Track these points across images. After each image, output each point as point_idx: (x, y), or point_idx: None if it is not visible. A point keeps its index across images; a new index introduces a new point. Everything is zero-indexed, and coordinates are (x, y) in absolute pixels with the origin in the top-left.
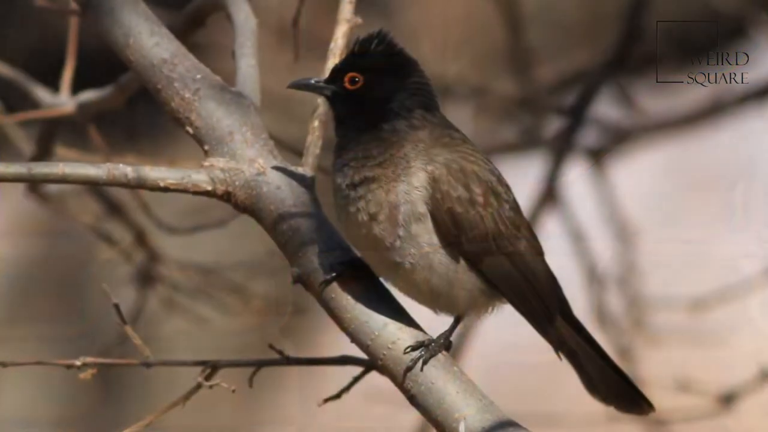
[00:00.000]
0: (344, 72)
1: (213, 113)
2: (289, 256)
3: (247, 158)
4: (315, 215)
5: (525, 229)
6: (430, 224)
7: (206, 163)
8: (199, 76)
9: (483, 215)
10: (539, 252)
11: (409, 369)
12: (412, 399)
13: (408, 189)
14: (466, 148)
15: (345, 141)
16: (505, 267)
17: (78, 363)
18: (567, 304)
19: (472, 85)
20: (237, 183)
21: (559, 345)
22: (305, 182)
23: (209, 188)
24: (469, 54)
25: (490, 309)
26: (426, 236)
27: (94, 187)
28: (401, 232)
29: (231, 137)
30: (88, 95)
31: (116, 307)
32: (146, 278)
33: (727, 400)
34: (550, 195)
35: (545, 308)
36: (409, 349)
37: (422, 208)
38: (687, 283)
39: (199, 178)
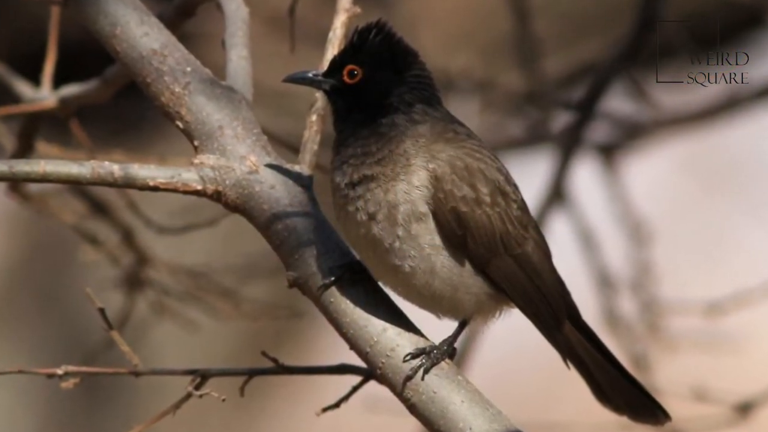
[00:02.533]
0: (343, 65)
1: (203, 108)
2: (284, 258)
3: (238, 155)
4: (312, 215)
5: (533, 229)
6: (432, 224)
7: (196, 161)
8: (189, 69)
9: (490, 215)
10: (547, 254)
11: (408, 378)
12: (412, 408)
13: (408, 188)
14: (472, 144)
15: (344, 137)
16: (512, 269)
17: (60, 372)
18: (576, 308)
19: (476, 79)
20: (227, 182)
21: (567, 352)
22: (302, 181)
23: (199, 188)
24: (474, 46)
25: (497, 313)
26: (427, 237)
27: (77, 185)
28: (400, 232)
29: (221, 132)
30: (71, 89)
31: (101, 311)
32: (134, 281)
33: (745, 409)
34: (558, 193)
35: (553, 313)
36: (408, 357)
37: (423, 208)
38: (703, 286)
39: (189, 176)
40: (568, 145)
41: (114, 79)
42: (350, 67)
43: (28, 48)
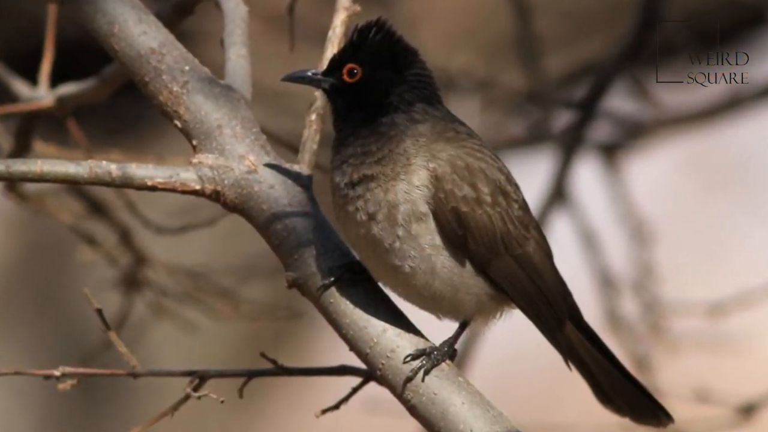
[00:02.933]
0: (342, 63)
1: (201, 107)
2: (283, 258)
3: (237, 154)
4: (311, 215)
5: (534, 229)
6: (432, 224)
7: (195, 160)
8: (187, 68)
9: (491, 215)
10: (548, 254)
11: (409, 380)
12: (412, 410)
13: (408, 188)
14: (473, 143)
15: (344, 136)
16: (513, 269)
17: (57, 373)
18: (577, 309)
19: (477, 78)
20: (226, 182)
21: (569, 353)
22: (301, 181)
23: (198, 187)
24: (474, 45)
25: (498, 314)
26: (428, 237)
27: (74, 185)
28: (400, 233)
29: (219, 131)
30: (69, 88)
31: (99, 312)
32: (132, 281)
33: (748, 410)
34: (559, 193)
35: (554, 314)
36: (409, 358)
37: (423, 208)
38: (705, 286)
39: (188, 176)
40: (570, 145)
41: (112, 78)
42: (350, 65)
43: (25, 47)
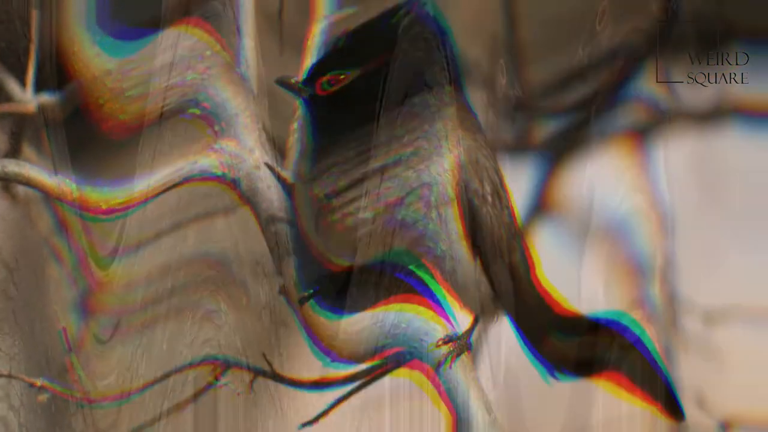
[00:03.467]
0: (320, 74)
1: (223, 91)
2: (276, 262)
3: (248, 146)
4: (294, 224)
5: (518, 239)
6: (456, 211)
7: (216, 146)
8: (208, 53)
9: (492, 215)
10: (530, 266)
11: (440, 364)
12: (442, 395)
13: (440, 170)
14: (481, 138)
15: (321, 146)
16: (505, 277)
17: (38, 383)
18: (568, 316)
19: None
20: (241, 172)
21: (557, 363)
22: (286, 188)
23: (219, 173)
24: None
25: (496, 317)
26: (453, 224)
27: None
28: (434, 215)
29: (237, 119)
30: (47, 97)
31: (62, 332)
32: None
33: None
34: (553, 196)
35: (535, 325)
36: (441, 342)
37: (450, 193)
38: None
39: (208, 162)
40: (560, 149)
41: (73, 96)
42: (327, 77)
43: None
